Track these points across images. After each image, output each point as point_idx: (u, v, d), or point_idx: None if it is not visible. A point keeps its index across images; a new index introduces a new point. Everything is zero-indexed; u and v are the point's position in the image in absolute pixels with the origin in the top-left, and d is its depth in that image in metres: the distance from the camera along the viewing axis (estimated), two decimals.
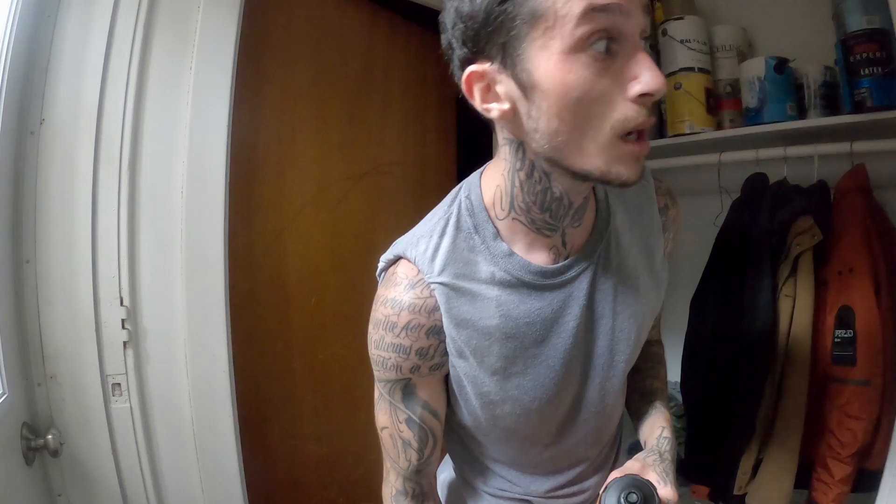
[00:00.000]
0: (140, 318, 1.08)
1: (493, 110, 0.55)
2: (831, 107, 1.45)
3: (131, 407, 1.06)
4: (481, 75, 0.54)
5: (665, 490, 0.62)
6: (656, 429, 0.78)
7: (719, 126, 1.62)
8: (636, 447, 0.80)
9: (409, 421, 0.69)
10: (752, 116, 1.53)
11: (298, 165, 1.44)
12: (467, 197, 0.66)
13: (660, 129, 1.75)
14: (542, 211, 0.62)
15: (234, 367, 1.17)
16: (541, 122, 0.52)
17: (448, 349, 0.65)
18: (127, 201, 1.06)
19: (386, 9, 1.64)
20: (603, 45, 0.48)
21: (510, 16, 0.49)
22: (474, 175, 0.68)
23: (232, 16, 1.16)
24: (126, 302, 1.06)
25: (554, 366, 0.66)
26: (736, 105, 1.60)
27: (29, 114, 0.99)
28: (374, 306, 0.67)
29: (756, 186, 1.50)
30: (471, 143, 1.92)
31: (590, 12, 0.47)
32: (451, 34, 0.55)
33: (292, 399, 1.44)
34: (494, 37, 0.51)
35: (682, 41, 1.60)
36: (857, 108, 1.32)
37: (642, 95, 0.50)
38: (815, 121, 1.44)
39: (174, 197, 1.11)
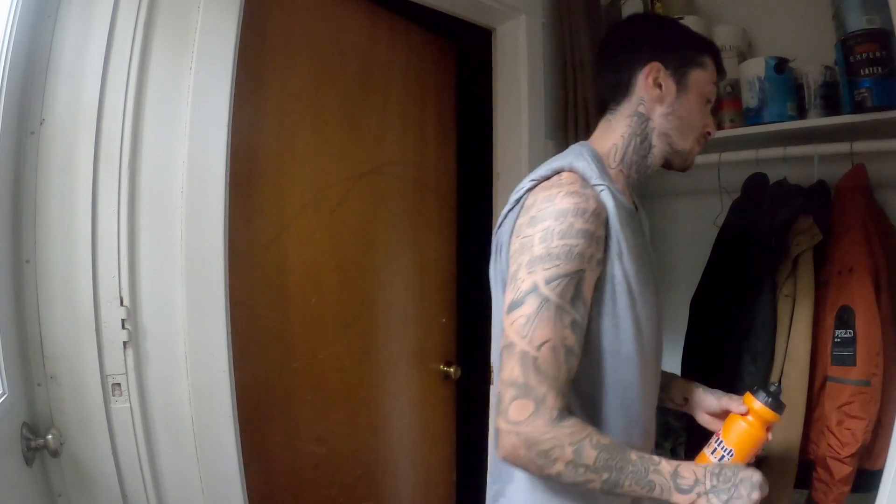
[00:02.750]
0: (140, 318, 1.08)
1: (656, 91, 0.88)
2: (831, 107, 1.45)
3: (131, 407, 1.06)
4: (659, 69, 0.88)
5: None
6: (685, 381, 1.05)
7: (719, 126, 1.62)
8: None
9: (574, 324, 0.73)
10: (752, 116, 1.53)
11: (298, 165, 1.44)
12: (587, 150, 0.86)
13: None
14: (637, 172, 0.91)
15: (234, 367, 1.17)
16: (678, 111, 0.89)
17: (610, 248, 0.77)
18: (127, 201, 1.06)
19: (386, 9, 1.64)
20: (707, 101, 0.92)
21: (692, 58, 0.90)
22: (577, 144, 0.91)
23: (232, 16, 1.16)
24: (126, 302, 1.06)
25: (656, 292, 0.86)
26: (736, 105, 1.60)
27: (29, 114, 0.99)
28: (546, 203, 0.76)
29: (756, 186, 1.50)
30: (471, 143, 1.92)
31: (714, 84, 0.93)
32: (643, 39, 0.90)
33: (292, 399, 1.43)
34: (675, 60, 0.89)
35: None
36: (857, 108, 1.32)
37: (708, 132, 0.94)
38: (815, 121, 1.44)
39: (174, 197, 1.11)
